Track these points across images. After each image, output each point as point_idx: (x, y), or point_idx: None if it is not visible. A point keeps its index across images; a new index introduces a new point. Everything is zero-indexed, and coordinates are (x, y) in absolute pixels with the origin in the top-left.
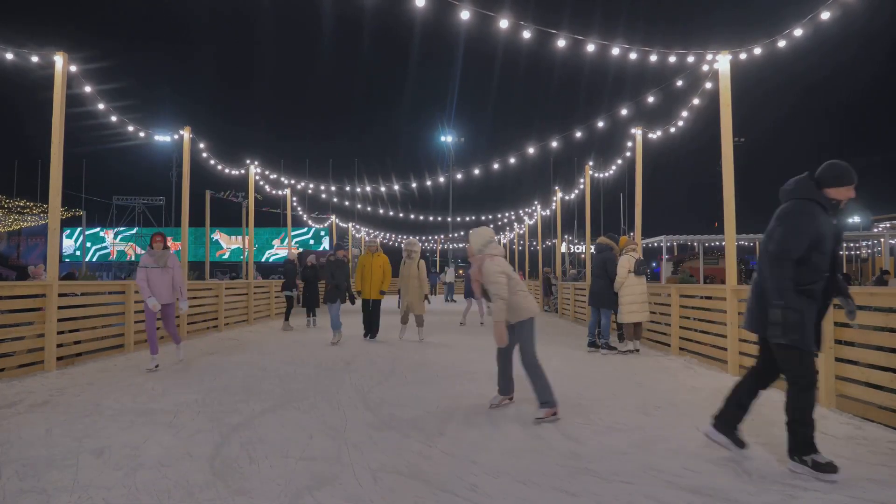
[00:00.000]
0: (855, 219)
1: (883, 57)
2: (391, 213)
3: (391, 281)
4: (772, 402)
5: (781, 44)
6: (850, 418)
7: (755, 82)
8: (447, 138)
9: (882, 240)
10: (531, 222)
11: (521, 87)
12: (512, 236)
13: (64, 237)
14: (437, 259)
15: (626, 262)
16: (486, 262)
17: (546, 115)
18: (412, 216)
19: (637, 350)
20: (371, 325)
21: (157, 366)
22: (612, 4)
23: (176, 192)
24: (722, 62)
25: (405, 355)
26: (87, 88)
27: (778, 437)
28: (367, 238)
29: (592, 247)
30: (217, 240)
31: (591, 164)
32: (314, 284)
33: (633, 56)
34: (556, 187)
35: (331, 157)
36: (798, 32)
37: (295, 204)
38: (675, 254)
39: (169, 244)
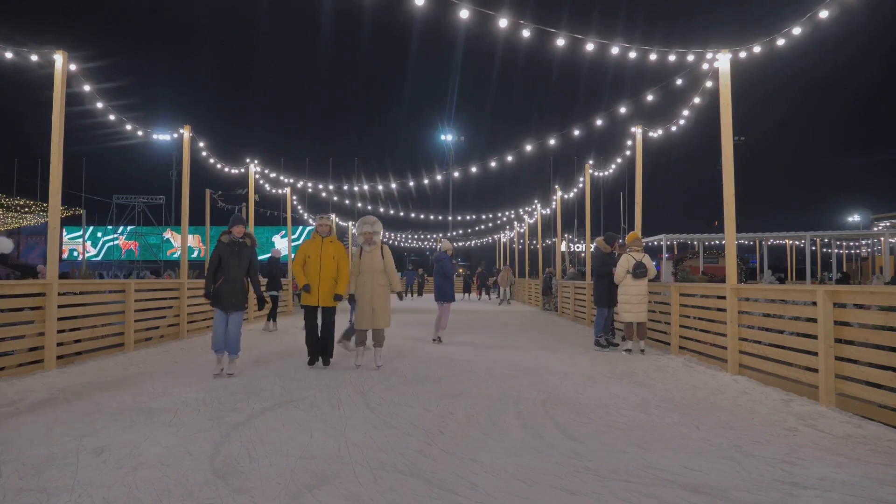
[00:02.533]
0: (855, 218)
1: (882, 56)
2: (391, 212)
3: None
4: (771, 401)
5: (780, 42)
6: (849, 417)
7: (755, 81)
8: (447, 137)
9: (882, 239)
10: (531, 221)
11: (521, 86)
12: (512, 235)
13: (65, 237)
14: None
15: (624, 262)
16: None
17: (546, 113)
18: (412, 215)
19: (642, 351)
20: (317, 346)
21: None
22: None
23: (176, 191)
24: (722, 61)
25: (405, 355)
26: (87, 87)
27: (778, 436)
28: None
29: (592, 246)
30: (168, 238)
31: (591, 162)
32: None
33: (632, 55)
34: (556, 186)
35: (331, 157)
36: (797, 31)
37: (295, 203)
38: (675, 252)
39: None
